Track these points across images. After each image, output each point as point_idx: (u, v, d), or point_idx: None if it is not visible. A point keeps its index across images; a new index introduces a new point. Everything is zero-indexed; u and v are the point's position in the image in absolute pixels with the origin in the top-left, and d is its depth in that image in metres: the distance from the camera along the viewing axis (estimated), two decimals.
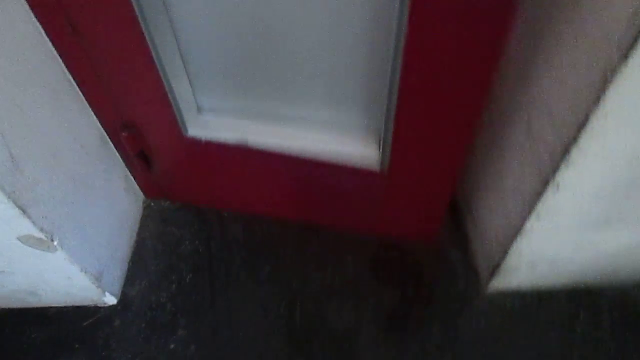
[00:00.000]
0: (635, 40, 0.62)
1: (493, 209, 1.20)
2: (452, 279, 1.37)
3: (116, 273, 1.35)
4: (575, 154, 0.80)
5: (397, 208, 1.32)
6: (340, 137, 1.12)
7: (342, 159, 1.14)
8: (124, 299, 1.35)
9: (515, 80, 1.00)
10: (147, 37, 0.96)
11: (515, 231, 1.07)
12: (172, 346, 1.27)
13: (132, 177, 1.46)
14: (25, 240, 1.01)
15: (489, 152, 1.20)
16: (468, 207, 1.41)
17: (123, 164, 1.39)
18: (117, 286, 1.35)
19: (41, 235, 0.99)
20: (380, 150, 1.08)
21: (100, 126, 1.24)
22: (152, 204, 1.56)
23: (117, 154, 1.35)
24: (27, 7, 0.94)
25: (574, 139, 0.78)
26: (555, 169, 0.86)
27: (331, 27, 0.92)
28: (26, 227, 0.96)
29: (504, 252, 1.16)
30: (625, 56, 0.64)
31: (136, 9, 0.90)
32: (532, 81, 0.92)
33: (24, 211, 0.92)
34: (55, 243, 1.03)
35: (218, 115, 1.21)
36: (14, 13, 0.91)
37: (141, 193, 1.54)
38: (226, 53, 1.05)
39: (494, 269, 1.25)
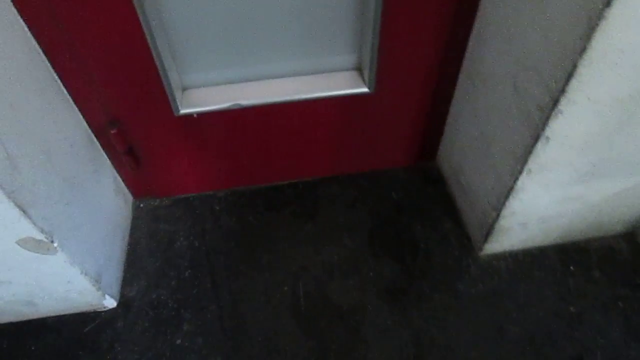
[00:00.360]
0: None
1: (483, 175, 1.25)
2: (447, 249, 1.41)
3: (114, 275, 1.33)
4: (563, 104, 0.85)
5: (386, 125, 1.46)
6: (329, 76, 1.29)
7: (335, 93, 1.29)
8: (124, 301, 1.33)
9: (499, 42, 1.04)
10: (140, 19, 0.97)
11: (507, 191, 1.12)
12: (178, 341, 1.26)
13: (120, 179, 1.44)
14: (25, 243, 0.98)
15: (475, 121, 1.24)
16: (456, 180, 1.45)
17: (111, 165, 1.37)
18: (116, 288, 1.33)
19: (41, 237, 0.97)
20: (367, 76, 1.26)
21: (87, 125, 1.22)
22: (142, 204, 1.55)
23: (105, 155, 1.33)
24: (9, 1, 0.93)
25: (562, 90, 0.83)
26: (544, 122, 0.90)
27: None
28: (26, 228, 0.94)
29: (497, 215, 1.21)
30: (608, 2, 0.69)
31: None
32: (516, 40, 0.96)
33: (24, 212, 0.90)
34: (55, 245, 1.01)
35: (205, 88, 1.25)
36: None
37: (130, 194, 1.52)
38: (208, 23, 1.08)
39: (487, 233, 1.29)
